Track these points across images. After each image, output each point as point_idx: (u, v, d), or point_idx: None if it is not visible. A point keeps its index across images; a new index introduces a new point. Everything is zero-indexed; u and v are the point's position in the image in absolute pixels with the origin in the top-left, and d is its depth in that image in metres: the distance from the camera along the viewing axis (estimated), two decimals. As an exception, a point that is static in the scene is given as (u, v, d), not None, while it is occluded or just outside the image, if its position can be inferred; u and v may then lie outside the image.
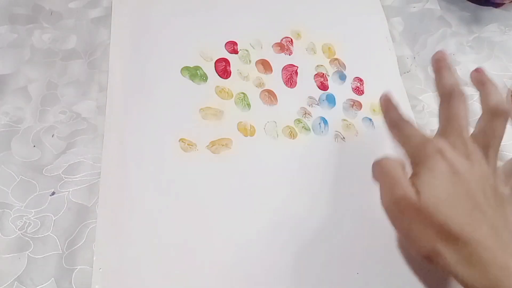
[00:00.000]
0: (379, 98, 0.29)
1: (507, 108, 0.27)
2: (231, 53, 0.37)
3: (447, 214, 0.22)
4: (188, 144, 0.33)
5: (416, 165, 0.25)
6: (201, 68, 0.36)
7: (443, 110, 0.27)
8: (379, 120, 0.36)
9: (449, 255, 0.22)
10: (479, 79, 0.29)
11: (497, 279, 0.21)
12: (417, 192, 0.23)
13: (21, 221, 0.29)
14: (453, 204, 0.23)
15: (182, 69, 0.36)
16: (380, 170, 0.26)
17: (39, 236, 0.28)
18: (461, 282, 0.22)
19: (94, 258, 0.28)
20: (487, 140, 0.26)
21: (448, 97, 0.27)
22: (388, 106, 0.29)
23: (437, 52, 0.30)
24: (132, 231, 0.29)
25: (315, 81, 0.37)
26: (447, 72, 0.29)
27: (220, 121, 0.34)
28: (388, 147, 0.34)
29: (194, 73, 0.36)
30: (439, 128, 0.27)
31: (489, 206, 0.23)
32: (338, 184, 0.32)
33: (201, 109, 0.34)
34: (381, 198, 0.25)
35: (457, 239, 0.22)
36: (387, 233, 0.31)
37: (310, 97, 0.36)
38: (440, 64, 0.29)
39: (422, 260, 0.23)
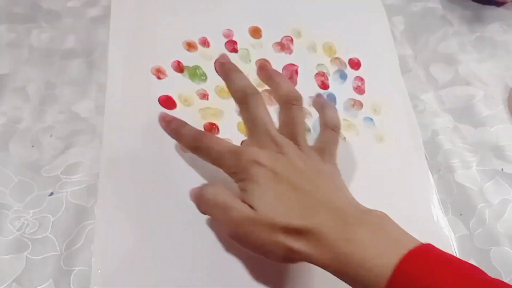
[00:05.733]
0: (164, 129, 0.29)
1: (298, 94, 0.29)
2: (231, 52, 0.37)
3: (284, 215, 0.23)
4: (187, 144, 0.32)
5: (239, 181, 0.25)
6: (200, 68, 0.36)
7: (244, 113, 0.28)
8: (380, 119, 0.35)
9: (302, 247, 0.23)
10: (267, 74, 0.31)
11: (346, 253, 0.22)
12: (251, 207, 0.24)
13: (19, 222, 0.29)
14: (284, 203, 0.24)
15: (181, 68, 0.36)
16: (206, 203, 0.26)
17: (38, 237, 0.28)
18: (321, 266, 0.23)
19: (92, 259, 0.28)
20: (292, 130, 0.27)
21: (244, 99, 0.28)
22: (176, 129, 0.28)
23: (220, 56, 0.31)
24: (130, 232, 0.29)
25: (316, 81, 0.37)
26: (235, 75, 0.29)
27: (220, 121, 0.34)
28: (388, 147, 0.34)
29: (194, 73, 0.36)
30: (247, 130, 0.28)
31: (317, 190, 0.24)
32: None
33: (200, 109, 0.34)
34: (223, 228, 0.25)
35: (301, 231, 0.23)
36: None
37: (311, 97, 0.36)
38: (225, 68, 0.30)
39: (283, 263, 0.25)
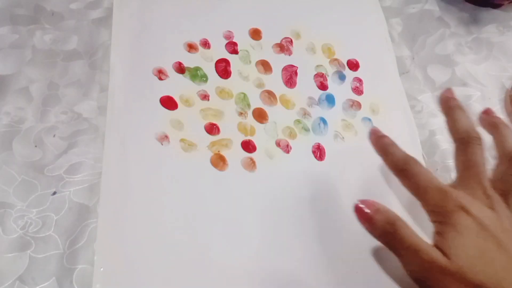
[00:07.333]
0: (371, 143, 0.28)
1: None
2: (231, 53, 0.38)
3: (481, 273, 0.21)
4: (188, 144, 0.33)
5: (437, 223, 0.23)
6: (201, 69, 0.36)
7: (460, 156, 0.26)
8: (378, 120, 0.36)
9: None
10: (491, 121, 0.28)
11: None
12: (445, 254, 0.22)
13: (22, 221, 0.29)
14: (487, 261, 0.22)
15: (182, 69, 0.36)
16: (400, 242, 0.23)
17: (41, 235, 0.29)
18: None
19: (95, 258, 0.28)
20: (506, 187, 0.25)
21: (465, 143, 0.26)
22: (386, 146, 0.27)
23: (445, 90, 0.28)
24: (133, 230, 0.29)
25: (315, 81, 0.37)
26: (460, 114, 0.27)
27: (221, 121, 0.34)
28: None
29: (195, 74, 0.36)
30: (457, 175, 0.26)
31: None
32: (337, 183, 0.33)
33: (201, 109, 0.34)
34: (407, 270, 0.23)
35: None
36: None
37: (310, 97, 0.36)
38: (450, 104, 0.28)
39: None
